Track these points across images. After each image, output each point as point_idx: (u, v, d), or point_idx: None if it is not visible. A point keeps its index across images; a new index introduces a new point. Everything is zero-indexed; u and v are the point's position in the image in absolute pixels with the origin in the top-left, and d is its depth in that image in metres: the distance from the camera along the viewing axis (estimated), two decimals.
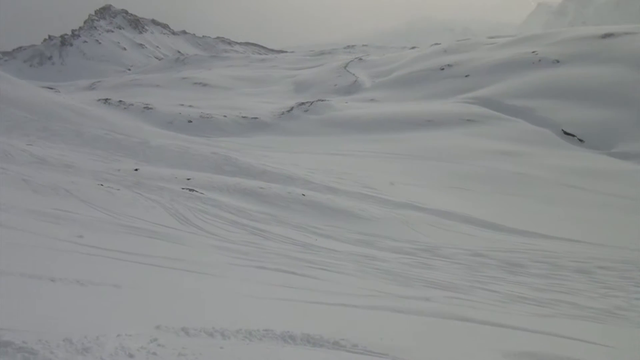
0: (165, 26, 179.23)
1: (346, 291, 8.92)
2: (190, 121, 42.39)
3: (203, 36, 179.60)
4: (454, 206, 20.02)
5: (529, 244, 15.58)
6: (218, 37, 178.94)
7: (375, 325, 6.65)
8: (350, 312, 7.15)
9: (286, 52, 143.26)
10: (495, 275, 11.85)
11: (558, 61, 48.59)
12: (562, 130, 35.71)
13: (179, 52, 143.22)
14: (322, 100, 48.85)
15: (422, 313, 7.48)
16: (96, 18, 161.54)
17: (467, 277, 11.55)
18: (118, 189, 16.76)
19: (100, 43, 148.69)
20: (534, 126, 37.05)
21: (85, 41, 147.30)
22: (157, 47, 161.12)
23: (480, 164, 27.93)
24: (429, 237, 16.04)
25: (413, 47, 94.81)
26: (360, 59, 76.58)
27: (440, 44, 78.14)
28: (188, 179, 19.91)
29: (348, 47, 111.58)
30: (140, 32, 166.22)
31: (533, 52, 52.27)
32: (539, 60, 49.88)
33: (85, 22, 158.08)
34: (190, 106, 49.13)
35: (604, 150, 32.41)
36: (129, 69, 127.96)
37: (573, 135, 34.93)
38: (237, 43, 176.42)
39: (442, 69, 56.61)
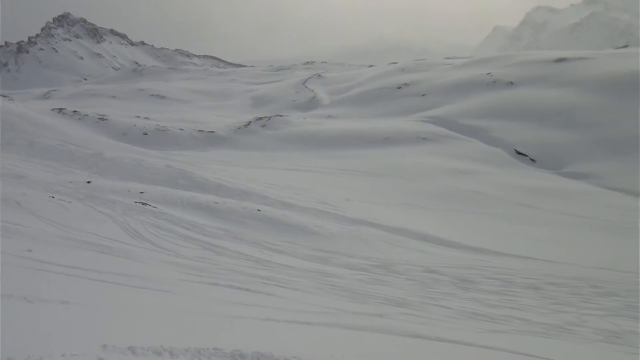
0: (123, 36, 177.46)
1: (300, 308, 8.86)
2: (145, 133, 41.72)
3: (162, 48, 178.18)
4: (408, 223, 20.19)
5: (481, 260, 15.81)
6: (177, 49, 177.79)
7: (328, 342, 6.61)
8: (304, 329, 7.09)
9: (245, 66, 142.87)
10: (447, 292, 11.97)
11: (512, 83, 49.71)
12: (515, 149, 36.50)
13: (136, 63, 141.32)
14: (280, 116, 48.78)
15: (376, 330, 7.47)
16: (54, 26, 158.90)
17: (420, 293, 11.64)
18: (70, 202, 16.39)
19: (57, 51, 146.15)
20: (488, 146, 37.77)
21: (41, 49, 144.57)
22: (115, 57, 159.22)
23: (435, 182, 28.30)
24: (384, 253, 16.12)
25: (371, 66, 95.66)
26: (319, 75, 76.79)
27: (397, 63, 79.19)
28: (141, 193, 19.60)
29: (307, 63, 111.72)
30: (98, 42, 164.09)
31: (488, 73, 53.39)
32: (494, 82, 50.93)
33: (42, 29, 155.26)
34: (146, 118, 48.39)
35: (555, 170, 33.20)
36: (85, 79, 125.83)
37: (525, 155, 35.73)
38: (195, 56, 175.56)
39: (399, 88, 57.28)
